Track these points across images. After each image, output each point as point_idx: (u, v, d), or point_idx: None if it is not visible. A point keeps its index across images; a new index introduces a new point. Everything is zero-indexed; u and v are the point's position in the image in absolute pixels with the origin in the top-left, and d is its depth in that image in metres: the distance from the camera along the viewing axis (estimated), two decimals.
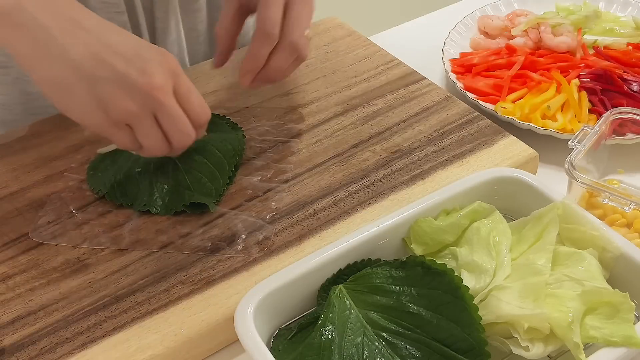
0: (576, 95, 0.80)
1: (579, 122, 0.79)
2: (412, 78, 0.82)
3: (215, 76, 0.83)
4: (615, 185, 0.69)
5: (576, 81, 0.82)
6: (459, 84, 0.85)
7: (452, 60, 0.90)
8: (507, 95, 0.83)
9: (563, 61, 0.87)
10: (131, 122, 0.59)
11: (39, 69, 0.57)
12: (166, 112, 0.59)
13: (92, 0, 0.79)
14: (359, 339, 0.50)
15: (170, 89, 0.58)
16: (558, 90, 0.82)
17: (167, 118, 0.59)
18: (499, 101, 0.82)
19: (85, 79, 0.56)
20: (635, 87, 0.81)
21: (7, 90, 0.80)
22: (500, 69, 0.88)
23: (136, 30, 0.84)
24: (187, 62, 0.91)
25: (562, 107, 0.80)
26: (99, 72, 0.56)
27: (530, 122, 0.77)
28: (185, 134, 0.61)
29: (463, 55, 0.91)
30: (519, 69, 0.86)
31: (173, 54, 0.90)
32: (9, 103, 0.81)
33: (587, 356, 0.48)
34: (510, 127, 0.77)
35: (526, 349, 0.49)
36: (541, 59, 0.88)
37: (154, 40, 0.87)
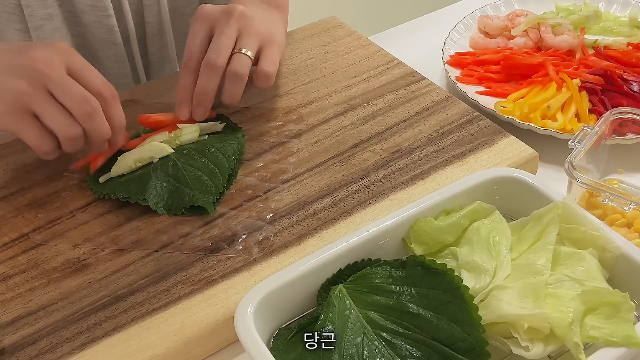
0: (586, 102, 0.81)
1: (579, 122, 0.79)
2: (412, 78, 0.82)
3: None
4: (615, 185, 0.69)
5: (577, 81, 0.82)
6: (459, 84, 0.85)
7: (450, 61, 0.90)
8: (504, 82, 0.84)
9: (562, 60, 0.87)
10: (30, 104, 0.60)
11: None
12: (54, 81, 0.60)
13: (80, 3, 0.79)
14: (359, 339, 0.50)
15: (56, 62, 0.61)
16: (558, 90, 0.82)
17: (58, 88, 0.60)
18: (499, 95, 0.82)
19: None
20: (635, 87, 0.81)
21: None
22: (495, 65, 0.88)
23: (124, 34, 0.83)
24: (177, 68, 0.91)
25: (562, 107, 0.80)
26: None
27: (530, 122, 0.77)
28: (83, 100, 0.61)
29: (458, 54, 0.91)
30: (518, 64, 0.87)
31: (163, 60, 0.91)
32: None
33: (587, 356, 0.48)
34: (510, 127, 0.77)
35: (526, 349, 0.49)
36: (537, 54, 0.88)
37: (143, 44, 0.87)
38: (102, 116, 0.63)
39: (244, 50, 0.69)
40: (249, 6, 0.74)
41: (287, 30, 0.92)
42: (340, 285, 0.53)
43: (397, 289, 0.52)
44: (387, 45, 0.89)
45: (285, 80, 0.83)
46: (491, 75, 0.87)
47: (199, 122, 0.73)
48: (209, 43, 0.70)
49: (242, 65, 0.69)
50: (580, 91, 0.81)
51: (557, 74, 0.84)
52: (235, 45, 0.70)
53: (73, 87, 0.61)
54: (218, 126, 0.74)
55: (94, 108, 0.62)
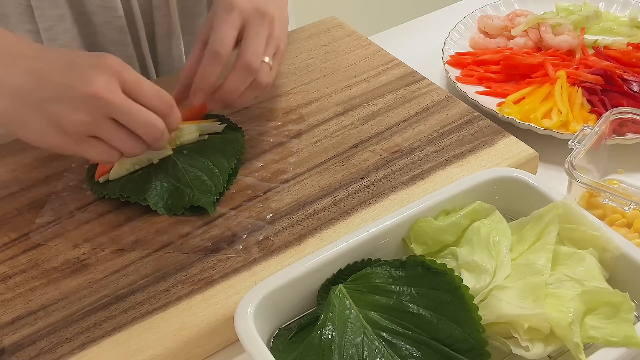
0: (579, 99, 0.80)
1: (578, 122, 0.79)
2: (412, 78, 0.82)
3: None
4: (615, 185, 0.69)
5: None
6: (459, 84, 0.85)
7: (450, 61, 0.90)
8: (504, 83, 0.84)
9: (562, 60, 0.87)
10: (93, 132, 0.59)
11: None
12: (119, 110, 0.59)
13: (90, 4, 0.79)
14: (359, 339, 0.50)
15: (114, 87, 0.59)
16: (552, 84, 0.82)
17: (123, 116, 0.59)
18: (499, 95, 0.83)
19: (29, 104, 0.58)
20: (635, 87, 0.81)
21: None
22: (495, 65, 0.88)
23: (134, 34, 0.83)
24: None
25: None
26: (39, 94, 0.57)
27: (530, 122, 0.77)
28: (149, 125, 0.60)
29: (458, 54, 0.91)
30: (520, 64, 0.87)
31: (172, 60, 0.89)
32: None
33: (587, 356, 0.48)
34: (510, 127, 0.77)
35: (526, 349, 0.49)
36: (536, 54, 0.88)
37: (153, 44, 0.87)
38: (167, 132, 0.63)
39: (267, 60, 0.68)
40: None
41: (287, 31, 0.92)
42: (340, 285, 0.53)
43: (397, 289, 0.52)
44: (387, 45, 0.89)
45: (285, 80, 0.83)
46: (491, 75, 0.87)
47: (199, 122, 0.73)
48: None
49: (267, 77, 0.68)
50: (578, 88, 0.81)
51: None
52: None
53: (137, 113, 0.60)
54: (218, 126, 0.74)
55: (161, 131, 0.61)
